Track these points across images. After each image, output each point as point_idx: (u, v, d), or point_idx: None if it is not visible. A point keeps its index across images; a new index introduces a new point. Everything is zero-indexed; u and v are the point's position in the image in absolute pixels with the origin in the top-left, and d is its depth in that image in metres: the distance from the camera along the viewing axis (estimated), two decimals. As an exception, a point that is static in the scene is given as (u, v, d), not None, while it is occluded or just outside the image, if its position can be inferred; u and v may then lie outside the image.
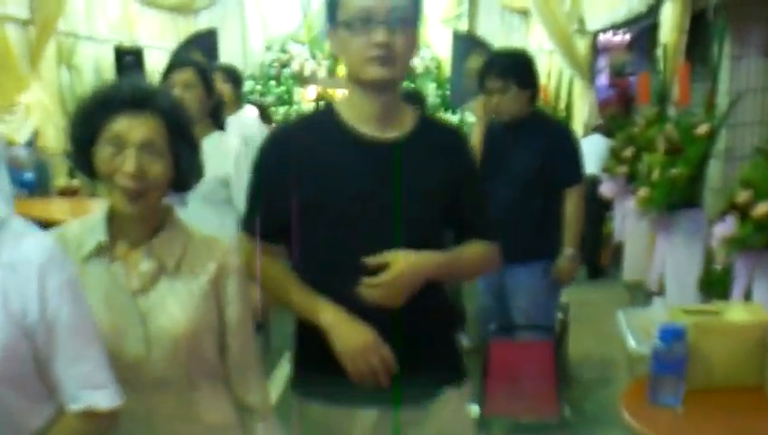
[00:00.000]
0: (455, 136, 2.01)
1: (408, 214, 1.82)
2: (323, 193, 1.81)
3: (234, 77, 5.02)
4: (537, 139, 3.39)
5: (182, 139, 1.68)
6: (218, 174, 3.10)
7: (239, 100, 5.01)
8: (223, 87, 4.80)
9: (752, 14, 5.16)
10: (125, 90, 1.64)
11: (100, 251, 1.67)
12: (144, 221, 1.69)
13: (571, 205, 3.39)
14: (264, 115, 7.40)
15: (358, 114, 1.85)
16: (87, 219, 1.74)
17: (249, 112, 5.10)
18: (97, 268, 1.67)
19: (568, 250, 3.39)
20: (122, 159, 1.60)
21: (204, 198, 2.92)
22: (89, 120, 1.63)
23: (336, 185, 1.81)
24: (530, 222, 3.39)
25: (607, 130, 6.82)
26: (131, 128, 1.60)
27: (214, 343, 1.74)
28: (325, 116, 1.91)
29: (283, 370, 4.39)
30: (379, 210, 1.81)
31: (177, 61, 3.31)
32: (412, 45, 1.82)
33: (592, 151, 6.08)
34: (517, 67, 3.45)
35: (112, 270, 1.67)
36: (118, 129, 1.60)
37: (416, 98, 5.01)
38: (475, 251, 1.99)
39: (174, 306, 1.66)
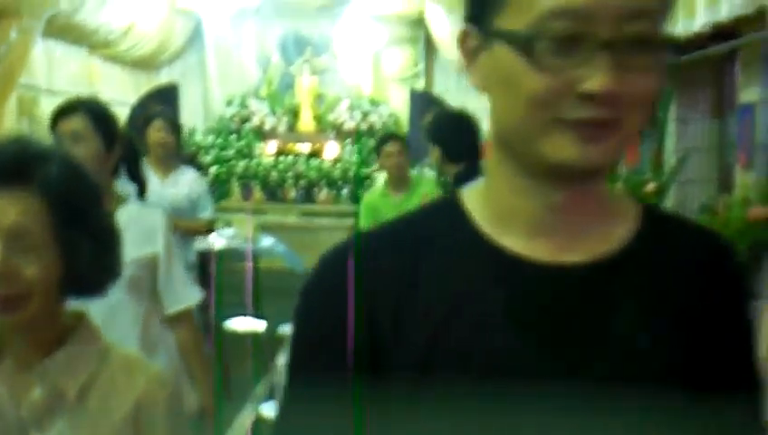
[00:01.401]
0: (714, 249, 0.97)
1: (628, 415, 0.85)
2: (443, 378, 0.87)
3: (176, 126, 4.73)
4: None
5: (76, 224, 1.23)
6: (141, 255, 2.36)
7: (179, 153, 4.84)
8: (167, 138, 4.58)
9: (697, 78, 5.40)
10: None
11: None
12: (31, 335, 1.26)
13: None
14: (195, 164, 7.43)
15: (517, 221, 0.91)
16: None
17: (190, 169, 4.94)
18: None
19: None
20: None
21: (126, 286, 2.26)
22: None
23: (473, 361, 0.87)
24: None
25: None
26: None
27: None
28: (444, 219, 0.95)
29: (242, 424, 4.38)
30: (566, 411, 0.84)
31: (64, 105, 2.48)
32: (651, 92, 0.86)
33: None
34: (431, 125, 3.74)
35: None
36: None
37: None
38: None
39: None
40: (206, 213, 4.85)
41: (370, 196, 5.06)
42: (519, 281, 0.89)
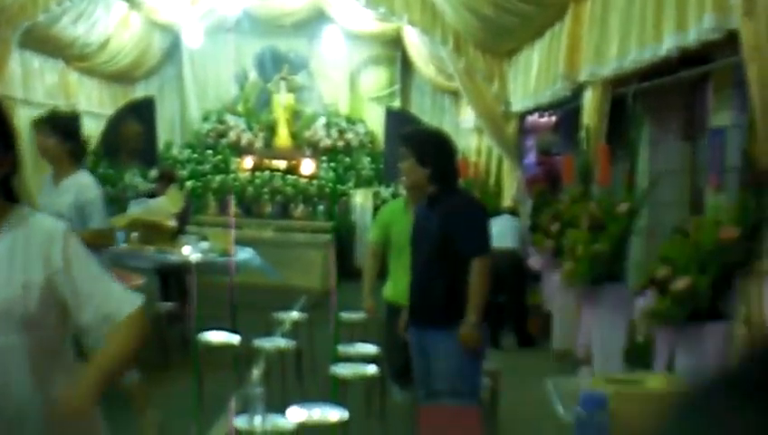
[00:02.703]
0: None
1: None
2: None
3: (60, 128, 4.26)
4: (444, 212, 3.56)
5: None
6: (36, 280, 1.77)
7: (74, 158, 4.30)
8: (46, 142, 4.20)
9: (669, 101, 5.52)
10: None
11: None
12: None
13: (473, 275, 3.49)
14: (171, 179, 7.40)
15: None
16: None
17: (84, 174, 4.36)
18: None
19: (469, 318, 3.47)
20: None
21: (18, 327, 1.76)
22: None
23: None
24: (440, 290, 3.53)
25: (513, 210, 7.37)
26: None
27: None
28: None
29: (217, 432, 4.37)
30: None
31: None
32: None
33: (506, 229, 6.55)
34: (418, 142, 3.69)
35: None
36: None
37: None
38: None
39: None
40: (94, 223, 4.14)
41: (388, 209, 4.83)
42: None
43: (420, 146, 3.65)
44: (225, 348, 4.93)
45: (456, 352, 3.51)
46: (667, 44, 3.94)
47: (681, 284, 3.19)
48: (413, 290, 3.67)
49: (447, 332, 3.51)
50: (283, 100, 11.49)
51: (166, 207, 6.80)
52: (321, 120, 11.50)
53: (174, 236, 6.73)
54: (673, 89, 5.17)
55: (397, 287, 4.29)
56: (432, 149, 3.66)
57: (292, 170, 11.09)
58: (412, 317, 3.66)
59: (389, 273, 4.45)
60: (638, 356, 3.85)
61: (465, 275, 3.50)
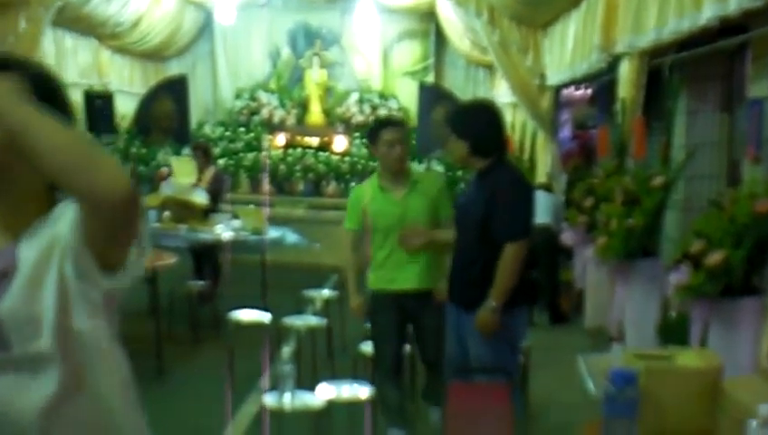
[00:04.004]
0: None
1: None
2: None
3: None
4: (489, 191, 3.44)
5: None
6: None
7: None
8: None
9: (706, 71, 5.38)
10: None
11: None
12: None
13: (501, 259, 3.36)
14: (207, 155, 7.36)
15: None
16: None
17: None
18: None
19: (488, 302, 3.36)
20: None
21: None
22: None
23: None
24: (476, 272, 3.44)
25: (547, 186, 7.28)
26: None
27: None
28: None
29: (247, 412, 4.39)
30: None
31: None
32: None
33: (540, 204, 6.52)
34: (455, 117, 3.62)
35: None
36: None
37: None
38: None
39: None
40: None
41: (356, 193, 4.11)
42: None
43: (456, 119, 3.58)
44: (256, 326, 4.95)
45: (491, 337, 3.45)
46: (707, 14, 3.82)
47: (715, 258, 3.11)
48: (453, 270, 3.60)
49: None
50: (315, 76, 11.46)
51: (184, 181, 6.82)
52: (354, 96, 11.45)
53: (206, 214, 6.76)
54: (710, 59, 5.04)
55: (379, 272, 3.96)
56: (467, 120, 3.56)
57: (324, 147, 11.07)
58: (451, 297, 3.61)
59: (372, 260, 3.99)
60: (671, 332, 3.78)
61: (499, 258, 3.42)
